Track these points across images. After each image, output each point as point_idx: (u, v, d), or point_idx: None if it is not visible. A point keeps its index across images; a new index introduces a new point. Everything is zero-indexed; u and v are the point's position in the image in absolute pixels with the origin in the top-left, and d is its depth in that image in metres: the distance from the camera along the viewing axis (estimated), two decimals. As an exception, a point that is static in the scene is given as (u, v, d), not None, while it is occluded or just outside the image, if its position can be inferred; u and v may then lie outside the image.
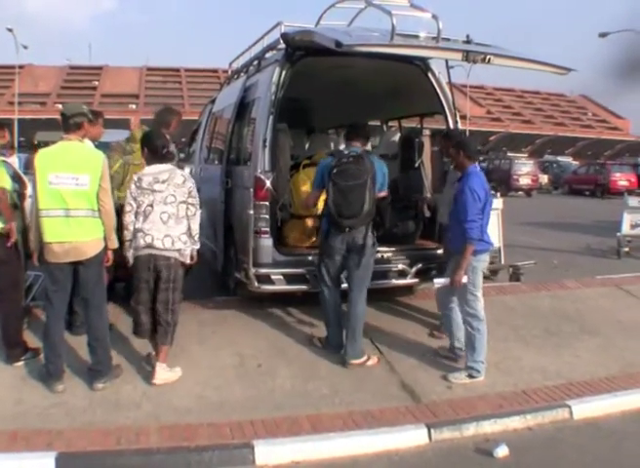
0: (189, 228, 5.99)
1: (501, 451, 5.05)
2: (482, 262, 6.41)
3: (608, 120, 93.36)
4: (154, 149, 6.02)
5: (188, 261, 6.04)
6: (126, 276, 6.52)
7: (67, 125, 5.71)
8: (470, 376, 6.25)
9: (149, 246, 5.81)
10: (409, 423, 5.39)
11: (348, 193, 6.22)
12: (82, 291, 5.84)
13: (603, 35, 39.68)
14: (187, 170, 8.66)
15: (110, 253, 5.91)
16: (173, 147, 6.55)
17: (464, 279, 6.13)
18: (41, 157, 5.64)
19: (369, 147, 9.00)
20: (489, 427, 5.46)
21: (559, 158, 54.24)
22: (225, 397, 5.71)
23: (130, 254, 5.94)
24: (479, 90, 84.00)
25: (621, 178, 35.11)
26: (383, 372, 6.31)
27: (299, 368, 6.31)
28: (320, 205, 6.76)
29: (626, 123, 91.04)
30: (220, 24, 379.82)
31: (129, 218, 5.91)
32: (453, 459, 5.06)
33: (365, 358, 6.41)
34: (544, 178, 41.12)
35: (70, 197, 5.56)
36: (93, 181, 5.62)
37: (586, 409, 5.83)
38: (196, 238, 6.09)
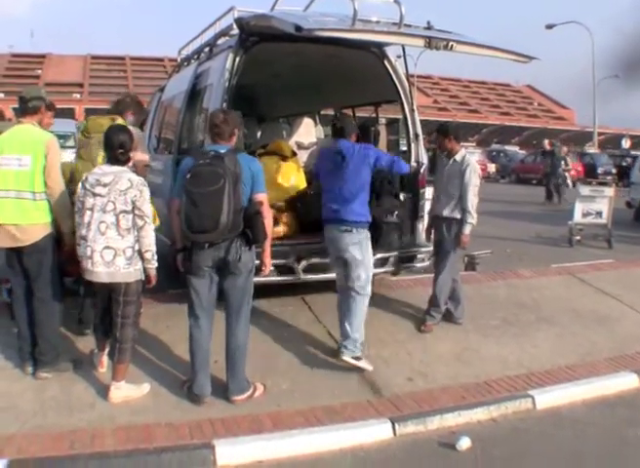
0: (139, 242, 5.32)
1: (464, 444, 5.01)
2: None
3: (553, 110, 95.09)
4: (108, 146, 5.34)
5: (136, 279, 5.39)
6: (78, 272, 5.64)
7: (24, 108, 5.62)
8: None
9: (89, 258, 5.22)
10: (372, 418, 5.31)
11: (200, 202, 5.09)
12: (28, 281, 5.67)
13: (549, 27, 40.24)
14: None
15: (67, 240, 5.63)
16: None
17: None
18: None
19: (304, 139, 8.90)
20: (453, 420, 5.41)
21: (506, 147, 54.85)
22: (182, 394, 5.51)
23: None
24: (426, 79, 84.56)
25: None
26: (343, 366, 6.16)
27: (256, 362, 6.04)
28: None
29: (571, 113, 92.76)
30: (164, 13, 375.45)
31: (76, 219, 5.37)
32: (418, 453, 5.00)
33: (251, 390, 5.57)
34: (492, 167, 41.57)
35: (13, 178, 5.42)
36: (35, 162, 5.44)
37: (549, 398, 5.85)
38: (148, 256, 5.35)
